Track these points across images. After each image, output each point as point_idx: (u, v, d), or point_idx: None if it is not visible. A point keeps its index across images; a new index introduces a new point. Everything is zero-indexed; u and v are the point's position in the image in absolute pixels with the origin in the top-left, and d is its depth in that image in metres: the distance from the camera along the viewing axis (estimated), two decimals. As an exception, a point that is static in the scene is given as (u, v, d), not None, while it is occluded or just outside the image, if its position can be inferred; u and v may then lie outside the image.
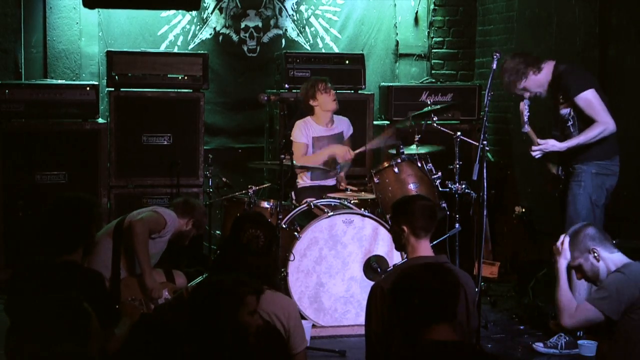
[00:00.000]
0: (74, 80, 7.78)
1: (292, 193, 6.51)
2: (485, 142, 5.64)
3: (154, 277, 5.53)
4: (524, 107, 5.94)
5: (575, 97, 5.78)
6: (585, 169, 5.81)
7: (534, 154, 5.93)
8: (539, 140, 5.92)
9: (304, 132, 6.87)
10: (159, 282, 5.59)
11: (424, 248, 4.28)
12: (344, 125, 7.12)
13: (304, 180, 6.98)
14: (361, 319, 5.17)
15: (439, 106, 6.95)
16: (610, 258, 4.29)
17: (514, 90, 6.03)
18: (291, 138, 6.82)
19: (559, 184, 6.09)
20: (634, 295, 4.10)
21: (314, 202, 6.37)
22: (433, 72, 8.86)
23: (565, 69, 5.92)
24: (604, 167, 5.82)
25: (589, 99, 5.76)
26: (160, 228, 5.65)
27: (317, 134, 6.93)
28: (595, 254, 4.28)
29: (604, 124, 5.74)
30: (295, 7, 8.55)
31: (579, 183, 5.81)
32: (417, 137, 6.64)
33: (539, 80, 5.95)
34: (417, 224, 4.27)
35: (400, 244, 4.39)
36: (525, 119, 5.89)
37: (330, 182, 7.06)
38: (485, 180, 5.58)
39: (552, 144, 5.88)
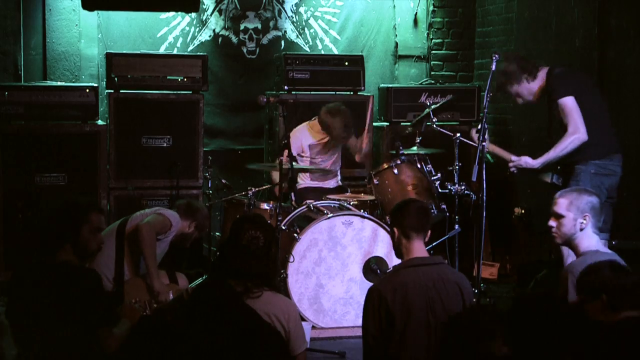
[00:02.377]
0: (73, 82, 7.77)
1: (292, 194, 6.51)
2: (484, 144, 5.65)
3: (161, 280, 5.55)
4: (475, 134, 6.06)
5: (555, 99, 5.87)
6: (584, 168, 5.85)
7: (511, 169, 6.10)
8: (513, 157, 6.07)
9: (295, 143, 6.82)
10: (165, 284, 5.61)
11: (418, 249, 4.27)
12: None
13: (304, 181, 6.98)
14: (360, 321, 5.17)
15: (438, 104, 6.95)
16: (590, 236, 4.31)
17: (506, 89, 6.14)
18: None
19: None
20: None
21: (314, 203, 6.37)
22: (432, 73, 8.87)
23: (555, 73, 5.99)
24: (603, 167, 5.84)
25: (566, 105, 5.83)
26: (166, 230, 5.67)
27: (312, 141, 6.96)
28: (584, 222, 4.30)
29: (573, 133, 5.81)
30: (295, 8, 8.55)
31: (577, 183, 5.83)
32: (417, 139, 6.65)
33: (531, 88, 6.08)
34: (405, 223, 4.26)
35: (394, 248, 4.38)
36: (484, 141, 5.99)
37: (331, 183, 7.07)
38: (484, 182, 5.59)
39: (525, 161, 6.06)
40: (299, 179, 6.97)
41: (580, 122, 5.79)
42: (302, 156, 6.98)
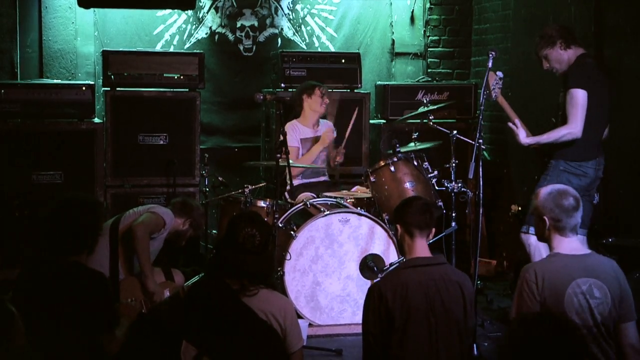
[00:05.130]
0: (69, 80, 7.77)
1: (285, 192, 6.48)
2: (481, 141, 5.67)
3: (155, 280, 5.55)
4: (495, 78, 6.03)
5: (569, 87, 5.81)
6: (554, 164, 5.87)
7: (508, 125, 6.06)
8: (517, 121, 6.00)
9: (293, 135, 6.90)
10: (159, 282, 5.61)
11: (420, 248, 4.27)
12: (327, 128, 7.18)
13: (296, 180, 6.99)
14: (357, 318, 5.18)
15: (435, 106, 6.95)
16: (558, 239, 4.18)
17: (538, 53, 6.09)
18: None
19: None
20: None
21: (310, 201, 6.37)
22: (429, 70, 8.87)
23: (584, 62, 5.93)
24: (573, 167, 5.83)
25: (576, 97, 5.77)
26: (160, 228, 5.66)
27: (304, 135, 6.99)
28: (547, 225, 4.18)
29: (570, 128, 5.77)
30: (291, 6, 8.55)
31: (545, 177, 5.85)
32: (414, 135, 6.65)
33: (560, 56, 5.99)
34: (408, 220, 4.26)
35: (399, 245, 4.39)
36: (496, 89, 6.01)
37: (322, 178, 7.06)
38: (481, 179, 5.59)
39: (519, 133, 5.94)
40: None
41: (581, 120, 5.75)
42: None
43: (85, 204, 4.28)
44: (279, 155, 5.99)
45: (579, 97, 5.76)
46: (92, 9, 7.79)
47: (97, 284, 4.06)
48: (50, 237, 4.11)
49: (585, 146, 5.84)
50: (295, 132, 6.97)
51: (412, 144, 6.60)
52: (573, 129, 5.77)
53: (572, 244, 4.20)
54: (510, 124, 6.04)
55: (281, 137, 6.02)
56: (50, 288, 3.99)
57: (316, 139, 7.06)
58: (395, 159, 6.39)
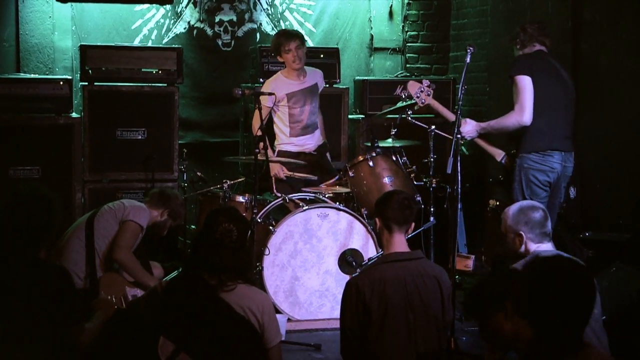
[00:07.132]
0: (47, 75, 7.72)
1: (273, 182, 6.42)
2: (459, 136, 5.67)
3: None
4: (419, 87, 6.13)
5: (511, 76, 5.82)
6: (519, 162, 5.85)
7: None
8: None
9: (270, 95, 6.61)
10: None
11: (399, 243, 4.28)
12: (317, 77, 7.04)
13: (283, 138, 6.91)
14: (336, 313, 5.18)
15: (413, 101, 6.96)
16: (535, 247, 4.46)
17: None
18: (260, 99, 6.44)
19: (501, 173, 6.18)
20: None
21: (289, 196, 6.37)
22: (407, 65, 8.90)
23: (531, 53, 5.93)
24: (536, 162, 5.80)
25: (519, 83, 5.76)
26: (138, 235, 5.62)
27: (290, 89, 6.81)
28: (521, 239, 4.48)
29: (517, 115, 5.76)
30: (270, 1, 8.54)
31: (515, 178, 5.86)
32: (392, 132, 6.66)
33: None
34: (386, 214, 4.28)
35: (378, 239, 4.41)
36: (422, 97, 6.14)
37: (313, 139, 6.96)
38: (459, 174, 5.60)
39: (467, 129, 5.94)
40: (276, 137, 6.88)
41: (529, 106, 5.73)
42: (279, 105, 6.84)
43: (37, 199, 4.21)
44: (257, 150, 5.97)
45: (522, 83, 5.74)
46: (69, 3, 7.76)
47: (57, 278, 4.01)
48: (3, 234, 4.05)
49: (544, 136, 5.79)
50: (277, 89, 6.72)
51: (389, 140, 6.61)
52: (518, 114, 5.75)
53: None
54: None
55: (260, 132, 6.00)
56: (9, 286, 3.95)
57: (306, 91, 6.87)
58: (373, 154, 6.40)
